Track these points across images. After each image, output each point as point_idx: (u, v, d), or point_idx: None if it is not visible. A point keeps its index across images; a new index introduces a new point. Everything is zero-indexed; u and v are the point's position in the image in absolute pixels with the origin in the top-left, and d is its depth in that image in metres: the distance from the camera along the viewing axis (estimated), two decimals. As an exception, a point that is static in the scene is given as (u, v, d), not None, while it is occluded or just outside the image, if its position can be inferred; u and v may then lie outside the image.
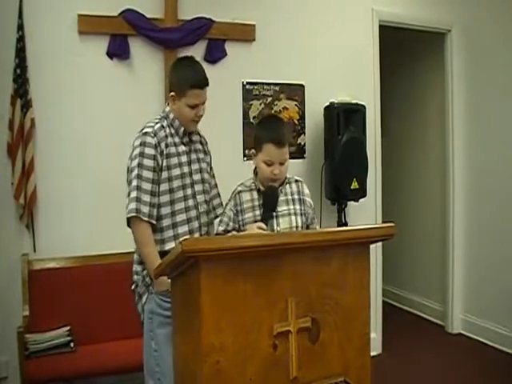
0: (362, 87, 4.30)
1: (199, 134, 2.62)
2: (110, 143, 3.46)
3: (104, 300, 3.34)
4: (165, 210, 2.38)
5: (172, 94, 2.41)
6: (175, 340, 2.01)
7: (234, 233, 2.39)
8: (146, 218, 2.31)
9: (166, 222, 2.38)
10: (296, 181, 2.51)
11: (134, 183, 2.33)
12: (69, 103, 3.45)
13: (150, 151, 2.33)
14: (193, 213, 2.43)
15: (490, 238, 4.56)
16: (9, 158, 3.30)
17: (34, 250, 3.38)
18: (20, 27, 3.27)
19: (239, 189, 2.45)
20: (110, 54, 3.53)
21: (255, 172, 2.47)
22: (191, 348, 1.79)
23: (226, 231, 2.41)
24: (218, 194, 2.67)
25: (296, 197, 2.46)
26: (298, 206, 2.44)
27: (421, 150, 5.34)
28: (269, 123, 2.49)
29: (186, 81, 2.36)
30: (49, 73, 3.39)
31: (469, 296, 4.79)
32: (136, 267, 2.43)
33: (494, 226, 4.51)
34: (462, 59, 4.74)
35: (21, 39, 3.27)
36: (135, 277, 2.44)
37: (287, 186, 2.46)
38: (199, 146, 2.58)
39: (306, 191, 2.51)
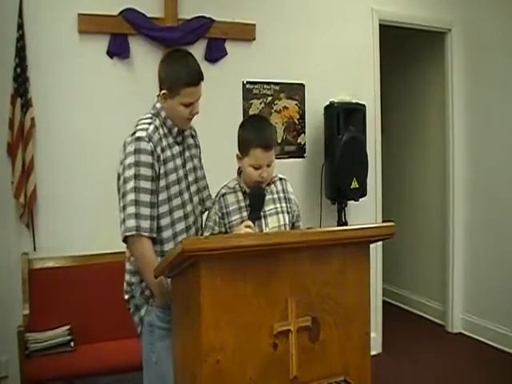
0: (362, 87, 4.31)
1: None
2: (110, 142, 3.44)
3: (104, 299, 3.34)
4: (164, 221, 2.21)
5: (163, 92, 2.21)
6: (175, 340, 2.02)
7: None
8: (147, 234, 2.11)
9: (166, 234, 2.22)
10: (280, 179, 2.47)
11: (131, 197, 2.10)
12: (69, 102, 3.44)
13: (146, 159, 2.12)
14: (191, 220, 2.31)
15: (491, 238, 4.56)
16: (9, 158, 3.29)
17: (34, 249, 3.38)
18: (20, 26, 3.27)
19: (223, 191, 2.38)
20: (110, 54, 3.53)
21: (239, 173, 2.41)
22: (191, 347, 1.79)
23: (212, 235, 2.35)
24: (207, 186, 2.51)
25: (281, 195, 2.43)
26: (284, 204, 2.42)
27: (421, 149, 5.34)
28: (254, 125, 2.36)
29: (179, 78, 2.17)
30: (49, 72, 3.39)
31: (469, 295, 4.80)
32: (131, 278, 2.27)
33: (495, 226, 4.51)
34: (462, 58, 4.74)
35: (21, 38, 3.27)
36: (130, 288, 2.29)
37: (272, 185, 2.43)
38: (191, 141, 2.42)
39: (290, 189, 2.49)
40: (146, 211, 2.11)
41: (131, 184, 2.10)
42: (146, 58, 3.58)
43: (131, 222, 2.09)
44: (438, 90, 4.95)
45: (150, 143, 2.14)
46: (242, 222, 2.29)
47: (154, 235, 2.15)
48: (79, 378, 3.08)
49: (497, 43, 4.46)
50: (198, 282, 1.68)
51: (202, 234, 2.40)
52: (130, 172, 2.11)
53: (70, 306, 3.32)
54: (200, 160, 2.51)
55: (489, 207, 4.58)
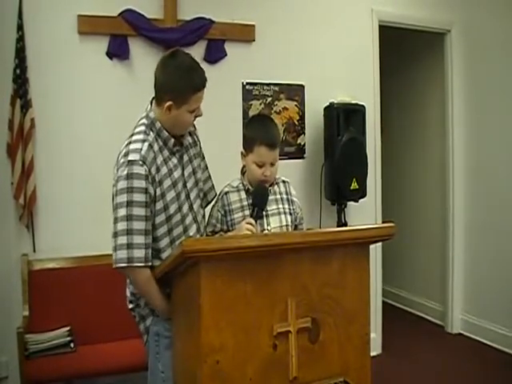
0: (362, 87, 4.31)
1: None
2: (110, 143, 3.42)
3: (104, 300, 3.34)
4: (164, 242, 2.09)
5: (169, 103, 2.03)
6: (175, 340, 2.02)
7: (222, 234, 2.36)
8: (141, 264, 1.98)
9: (166, 254, 2.08)
10: (283, 181, 2.49)
11: (123, 226, 1.96)
12: (68, 103, 3.45)
13: (139, 184, 1.96)
14: (192, 231, 2.19)
15: (490, 238, 4.56)
16: (8, 158, 3.29)
17: (34, 251, 3.38)
18: (20, 27, 3.27)
19: (226, 189, 2.41)
20: (110, 55, 3.53)
21: (243, 172, 2.44)
22: (191, 348, 1.79)
23: (214, 232, 2.38)
24: (210, 177, 2.41)
25: (284, 196, 2.45)
26: (286, 205, 2.43)
27: (421, 150, 5.34)
28: (260, 124, 2.41)
29: (186, 86, 2.03)
30: (49, 73, 3.39)
31: (468, 296, 4.79)
32: (134, 289, 2.18)
33: (494, 226, 4.51)
34: (462, 59, 4.74)
35: (21, 39, 3.27)
36: (134, 297, 2.21)
37: (275, 186, 2.45)
38: (189, 140, 2.27)
39: (294, 192, 2.51)
40: (140, 239, 1.97)
41: (123, 212, 1.97)
42: (145, 59, 3.58)
43: (123, 253, 1.97)
44: (437, 91, 4.96)
45: (144, 166, 1.98)
46: (244, 219, 2.29)
47: (149, 264, 2.01)
48: (79, 379, 3.08)
49: (496, 44, 4.46)
50: (198, 283, 1.68)
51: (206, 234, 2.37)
52: (123, 198, 1.97)
53: (70, 307, 3.32)
54: (201, 155, 2.38)
55: (489, 207, 4.58)
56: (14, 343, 3.06)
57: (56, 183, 3.43)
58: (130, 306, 2.25)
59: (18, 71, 3.26)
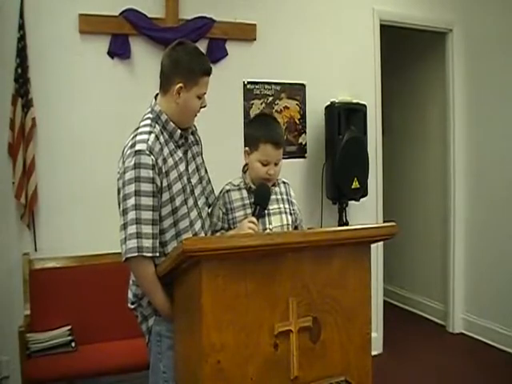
0: (363, 87, 4.30)
1: None
2: (111, 143, 3.44)
3: (105, 299, 3.34)
4: (169, 235, 2.09)
5: (180, 85, 2.06)
6: (176, 340, 2.01)
7: (223, 232, 2.35)
8: (149, 254, 1.97)
9: (170, 247, 2.07)
10: (283, 182, 2.50)
11: (132, 215, 1.96)
12: (70, 103, 3.45)
13: (147, 173, 1.97)
14: (197, 226, 2.18)
15: (491, 238, 4.56)
16: (10, 158, 3.30)
17: (35, 250, 3.38)
18: (21, 27, 3.27)
19: (227, 188, 2.39)
20: (111, 54, 3.54)
21: (244, 170, 2.43)
22: (192, 348, 1.79)
23: (215, 231, 2.36)
24: (210, 180, 2.41)
25: (284, 197, 2.45)
26: (287, 206, 2.44)
27: (422, 149, 5.33)
28: (265, 122, 2.40)
29: (196, 67, 2.07)
30: (50, 72, 3.39)
31: (470, 295, 4.79)
32: (137, 290, 2.17)
33: (495, 226, 4.51)
34: (463, 59, 4.73)
35: (22, 39, 3.27)
36: (136, 298, 2.20)
37: (276, 186, 2.45)
38: (192, 138, 2.29)
39: (293, 194, 2.51)
40: (148, 229, 1.97)
41: (132, 201, 1.97)
42: (146, 58, 3.58)
43: (133, 243, 1.96)
44: (438, 90, 4.95)
45: (151, 156, 1.99)
46: (246, 218, 2.29)
47: (157, 254, 2.01)
48: (80, 379, 3.08)
49: (498, 43, 4.45)
50: (199, 282, 1.68)
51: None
52: (131, 188, 1.98)
53: (71, 306, 3.33)
54: (201, 155, 2.40)
55: (490, 207, 4.57)
56: (15, 342, 3.06)
57: (57, 183, 3.43)
58: (132, 306, 2.23)
59: (19, 71, 3.26)
